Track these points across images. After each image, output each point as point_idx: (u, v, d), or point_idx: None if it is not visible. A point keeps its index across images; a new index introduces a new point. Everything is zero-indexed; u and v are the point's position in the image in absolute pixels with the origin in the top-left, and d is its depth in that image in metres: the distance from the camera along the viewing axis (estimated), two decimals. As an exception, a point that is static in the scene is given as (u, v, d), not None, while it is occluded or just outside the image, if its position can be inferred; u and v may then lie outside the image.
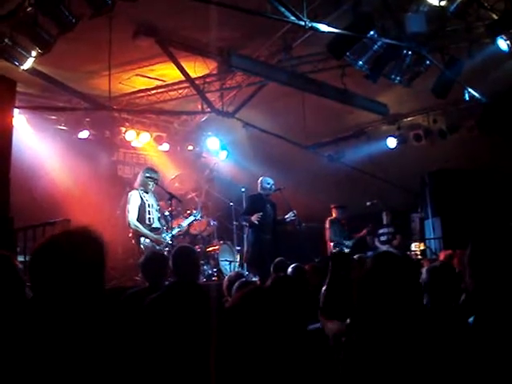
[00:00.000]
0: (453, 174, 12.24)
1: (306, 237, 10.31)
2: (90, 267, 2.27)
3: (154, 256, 6.03)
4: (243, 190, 10.77)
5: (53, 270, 2.20)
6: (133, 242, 9.15)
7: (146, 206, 9.18)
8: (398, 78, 8.37)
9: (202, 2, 7.10)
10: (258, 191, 9.91)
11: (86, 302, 2.25)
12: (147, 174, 9.33)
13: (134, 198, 9.14)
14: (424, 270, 3.94)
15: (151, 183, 9.33)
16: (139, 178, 9.39)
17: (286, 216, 9.70)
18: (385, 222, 11.86)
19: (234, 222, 11.31)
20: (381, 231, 11.80)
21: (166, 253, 8.26)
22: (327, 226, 11.44)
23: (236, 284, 5.28)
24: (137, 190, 9.26)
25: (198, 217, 10.08)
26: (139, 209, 9.09)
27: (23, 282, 3.18)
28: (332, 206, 11.76)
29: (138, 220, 9.00)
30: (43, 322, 2.25)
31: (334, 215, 11.66)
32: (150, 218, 9.18)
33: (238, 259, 11.01)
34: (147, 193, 9.30)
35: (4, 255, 3.23)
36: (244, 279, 5.70)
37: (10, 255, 3.30)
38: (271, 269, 7.10)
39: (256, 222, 9.30)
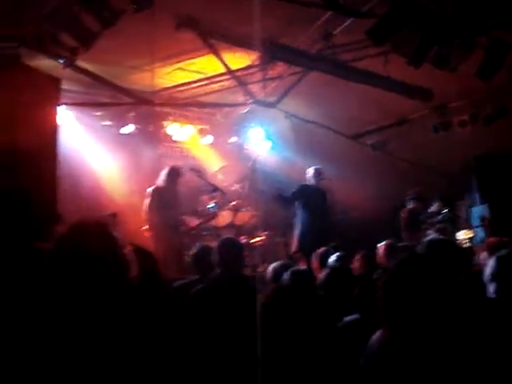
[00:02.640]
0: (500, 159, 11.99)
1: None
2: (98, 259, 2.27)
3: (205, 248, 6.06)
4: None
5: (68, 259, 2.24)
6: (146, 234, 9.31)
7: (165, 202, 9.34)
8: (443, 63, 8.20)
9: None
10: (307, 182, 9.91)
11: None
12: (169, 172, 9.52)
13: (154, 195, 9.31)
14: (491, 259, 3.79)
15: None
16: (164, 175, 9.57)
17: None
18: (434, 210, 11.65)
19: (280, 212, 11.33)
20: (429, 219, 11.59)
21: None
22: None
23: (288, 272, 5.26)
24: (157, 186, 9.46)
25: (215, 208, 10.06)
26: (158, 205, 9.25)
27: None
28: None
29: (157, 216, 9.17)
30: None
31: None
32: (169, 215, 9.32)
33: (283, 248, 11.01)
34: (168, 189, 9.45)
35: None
36: (295, 268, 5.68)
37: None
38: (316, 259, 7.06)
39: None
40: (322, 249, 7.15)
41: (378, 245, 6.82)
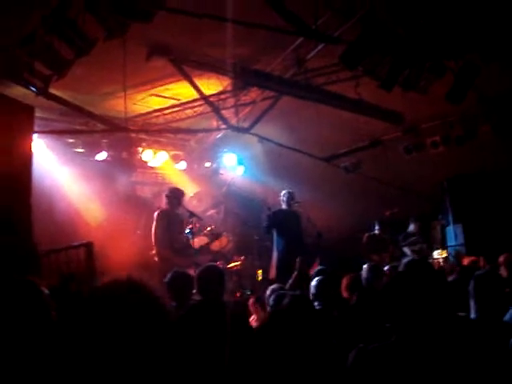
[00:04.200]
0: (471, 179, 12.17)
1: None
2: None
3: (179, 275, 6.03)
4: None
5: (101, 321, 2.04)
6: (155, 259, 9.23)
7: (172, 225, 9.28)
8: (413, 86, 8.33)
9: (214, 20, 7.16)
10: (280, 205, 9.96)
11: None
12: (172, 194, 9.49)
13: (161, 218, 9.26)
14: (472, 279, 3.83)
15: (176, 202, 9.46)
16: (165, 198, 9.53)
17: None
18: (412, 230, 11.81)
19: (256, 237, 11.34)
20: (407, 240, 11.73)
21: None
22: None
23: (273, 296, 5.31)
24: (164, 210, 9.42)
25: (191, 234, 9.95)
26: (166, 228, 9.19)
27: (49, 307, 3.18)
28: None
29: (164, 240, 9.11)
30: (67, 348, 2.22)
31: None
32: (176, 238, 9.27)
33: (260, 274, 11.01)
34: (173, 212, 9.41)
35: (30, 281, 3.24)
36: (283, 292, 5.73)
37: (37, 281, 3.30)
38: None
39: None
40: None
41: (364, 266, 6.88)
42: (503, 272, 6.02)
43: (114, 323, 1.86)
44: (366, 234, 11.60)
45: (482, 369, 2.74)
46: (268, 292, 6.17)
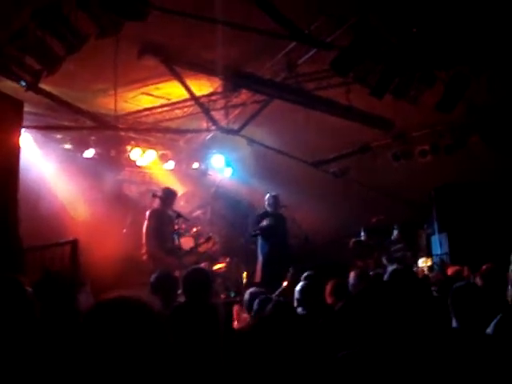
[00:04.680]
0: (459, 189, 12.24)
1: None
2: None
3: (164, 275, 6.02)
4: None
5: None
6: (144, 258, 9.22)
7: (164, 225, 9.28)
8: (404, 94, 8.38)
9: (207, 22, 7.16)
10: (265, 208, 9.95)
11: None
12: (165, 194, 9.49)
13: (153, 218, 9.26)
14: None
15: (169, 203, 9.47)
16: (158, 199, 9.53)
17: None
18: (395, 238, 11.85)
19: (241, 239, 11.34)
20: (391, 247, 11.77)
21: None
22: None
23: (257, 300, 5.31)
24: (156, 209, 9.42)
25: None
26: (157, 228, 9.19)
27: (32, 304, 3.17)
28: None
29: (156, 240, 9.11)
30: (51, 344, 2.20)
31: None
32: (167, 239, 9.26)
33: (245, 277, 11.00)
34: (165, 213, 9.40)
35: (13, 278, 3.22)
36: (264, 296, 5.73)
37: (20, 278, 3.29)
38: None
39: (269, 224, 9.36)
40: None
41: (351, 272, 6.89)
42: (478, 281, 6.07)
43: (114, 338, 1.85)
44: (353, 240, 11.61)
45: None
46: (246, 296, 6.17)
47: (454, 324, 3.62)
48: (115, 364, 1.80)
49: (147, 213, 9.53)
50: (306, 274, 6.92)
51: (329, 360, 2.53)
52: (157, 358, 1.91)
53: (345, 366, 2.58)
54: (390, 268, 4.97)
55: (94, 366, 1.81)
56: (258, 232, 9.75)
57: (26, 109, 8.24)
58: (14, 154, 6.88)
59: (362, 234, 11.98)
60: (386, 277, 4.08)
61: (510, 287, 4.50)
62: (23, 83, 7.10)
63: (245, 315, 6.24)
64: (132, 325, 1.87)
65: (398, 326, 2.81)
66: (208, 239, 10.32)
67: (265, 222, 9.66)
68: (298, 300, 5.74)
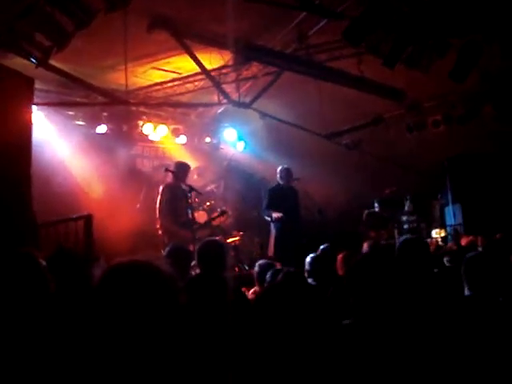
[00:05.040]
0: (472, 159, 12.16)
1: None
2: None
3: (178, 248, 6.05)
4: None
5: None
6: (159, 232, 9.28)
7: (178, 199, 9.32)
8: (416, 64, 8.28)
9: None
10: (277, 182, 9.93)
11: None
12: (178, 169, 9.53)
13: (166, 192, 9.30)
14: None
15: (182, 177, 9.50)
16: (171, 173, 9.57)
17: None
18: (407, 210, 11.79)
19: (255, 213, 11.36)
20: (403, 218, 11.74)
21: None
22: None
23: (269, 272, 5.34)
24: (169, 184, 9.46)
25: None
26: (171, 202, 9.24)
27: (47, 279, 3.20)
28: None
29: (170, 214, 9.16)
30: (65, 317, 2.23)
31: None
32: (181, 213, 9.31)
33: (259, 250, 11.05)
34: (179, 187, 9.44)
35: (28, 253, 3.25)
36: (277, 268, 5.77)
37: (34, 253, 3.32)
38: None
39: (278, 219, 9.36)
40: None
41: (365, 243, 6.90)
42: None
43: (129, 303, 1.86)
44: (366, 211, 11.59)
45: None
46: (256, 268, 6.21)
47: (467, 292, 3.62)
48: (128, 328, 1.82)
49: (160, 187, 9.57)
50: (321, 247, 6.92)
51: (336, 329, 2.55)
52: (168, 320, 1.93)
53: (349, 334, 2.61)
54: (401, 238, 4.97)
55: (107, 330, 1.83)
56: (270, 218, 9.75)
57: (37, 86, 8.25)
58: (25, 130, 6.90)
59: (376, 205, 11.95)
60: (396, 247, 4.07)
61: None
62: (33, 60, 7.10)
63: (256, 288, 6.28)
64: (144, 287, 1.88)
65: (405, 295, 2.83)
66: (222, 213, 10.35)
67: (275, 215, 9.59)
68: (307, 271, 5.75)
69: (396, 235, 11.02)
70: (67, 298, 3.39)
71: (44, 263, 3.27)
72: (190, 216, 9.35)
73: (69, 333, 2.36)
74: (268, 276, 5.40)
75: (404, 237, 5.26)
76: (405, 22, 7.85)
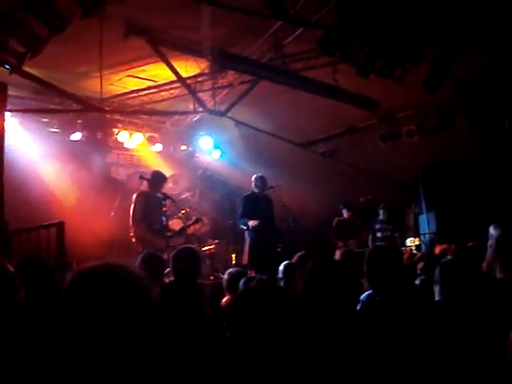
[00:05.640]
0: (446, 169, 12.31)
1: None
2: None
3: (151, 256, 6.03)
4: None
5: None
6: (133, 240, 9.23)
7: (152, 207, 9.29)
8: (390, 74, 8.36)
9: (192, 1, 7.11)
10: (252, 190, 9.94)
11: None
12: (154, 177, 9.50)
13: (140, 200, 9.26)
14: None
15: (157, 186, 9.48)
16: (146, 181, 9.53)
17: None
18: (381, 218, 11.83)
19: (230, 221, 11.34)
20: (377, 227, 11.78)
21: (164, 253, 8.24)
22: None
23: (242, 280, 5.34)
24: (143, 191, 9.43)
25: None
26: (145, 210, 9.20)
27: (15, 285, 3.16)
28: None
29: (143, 222, 9.11)
30: (33, 325, 2.21)
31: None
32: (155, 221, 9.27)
33: (234, 258, 11.04)
34: (153, 195, 9.41)
35: None
36: (249, 275, 5.77)
37: (1, 259, 3.28)
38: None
39: (254, 228, 9.35)
40: None
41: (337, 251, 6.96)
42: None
43: (100, 306, 1.83)
44: (336, 219, 11.59)
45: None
46: (226, 276, 6.20)
47: (437, 297, 3.66)
48: (98, 332, 1.80)
49: (134, 195, 9.52)
50: (301, 254, 6.97)
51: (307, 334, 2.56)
52: (141, 323, 1.90)
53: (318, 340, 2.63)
54: (372, 246, 5.02)
55: (75, 334, 1.80)
56: (246, 227, 9.74)
57: (11, 92, 8.20)
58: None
59: (344, 210, 11.75)
60: (366, 255, 4.09)
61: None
62: (7, 66, 7.04)
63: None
64: (113, 289, 1.85)
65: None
66: (197, 220, 10.31)
67: (251, 223, 9.59)
68: (280, 279, 5.79)
69: (370, 243, 11.06)
70: (36, 305, 3.35)
71: (12, 270, 3.23)
72: (165, 224, 9.33)
73: (37, 339, 2.33)
74: (241, 284, 5.40)
75: (374, 244, 5.31)
76: (379, 32, 7.93)
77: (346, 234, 11.13)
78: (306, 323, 2.64)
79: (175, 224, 10.31)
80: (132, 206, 9.38)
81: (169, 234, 9.36)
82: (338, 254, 6.79)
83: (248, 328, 2.03)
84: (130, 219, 9.32)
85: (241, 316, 2.07)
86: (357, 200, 12.07)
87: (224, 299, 6.31)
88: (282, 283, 5.74)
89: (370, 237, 11.64)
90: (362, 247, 9.87)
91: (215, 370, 2.23)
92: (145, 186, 9.74)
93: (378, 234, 11.70)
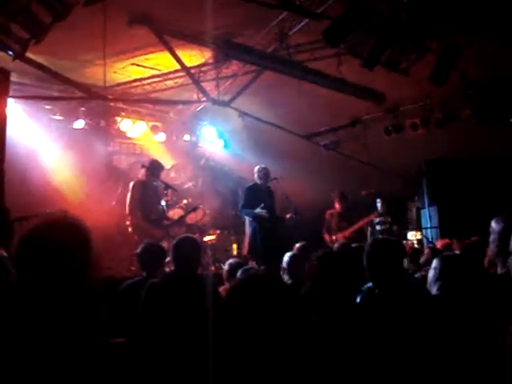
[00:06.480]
0: (449, 163, 12.25)
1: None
2: (72, 257, 2.14)
3: (151, 246, 6.03)
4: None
5: (36, 261, 2.10)
6: (129, 230, 9.21)
7: (148, 196, 9.26)
8: (395, 66, 8.31)
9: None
10: (255, 181, 9.91)
11: (69, 291, 2.16)
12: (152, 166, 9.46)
13: (136, 189, 9.22)
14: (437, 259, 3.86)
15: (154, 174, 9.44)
16: (144, 169, 9.49)
17: (287, 216, 9.70)
18: (380, 211, 11.72)
19: (232, 211, 11.31)
20: (376, 220, 11.70)
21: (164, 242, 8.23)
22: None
23: (240, 270, 5.34)
24: (140, 180, 9.39)
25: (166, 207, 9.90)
26: (141, 199, 9.17)
27: (8, 270, 3.14)
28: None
29: (139, 211, 9.09)
30: (26, 310, 2.20)
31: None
32: (152, 210, 9.25)
33: (235, 249, 11.02)
34: (150, 183, 9.38)
35: None
36: (248, 266, 5.78)
37: None
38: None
39: (264, 215, 9.30)
40: None
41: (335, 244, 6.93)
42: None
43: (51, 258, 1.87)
44: (328, 211, 11.23)
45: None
46: (226, 267, 6.23)
47: (435, 292, 3.63)
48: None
49: (131, 184, 9.50)
50: (303, 244, 6.98)
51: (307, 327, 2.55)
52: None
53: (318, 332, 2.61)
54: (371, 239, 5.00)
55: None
56: (251, 216, 9.68)
57: (14, 79, 8.16)
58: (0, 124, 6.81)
59: (336, 204, 11.41)
60: (366, 248, 4.06)
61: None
62: (10, 52, 6.99)
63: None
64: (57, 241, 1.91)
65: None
66: (195, 209, 10.28)
67: (259, 211, 9.52)
68: (284, 269, 5.77)
69: (369, 236, 10.97)
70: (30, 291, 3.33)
71: (5, 254, 3.21)
72: (164, 213, 9.31)
73: (31, 322, 2.31)
74: (239, 274, 5.40)
75: (374, 238, 5.29)
76: (384, 23, 7.88)
77: (334, 226, 10.94)
78: (304, 315, 2.63)
79: (176, 214, 10.30)
80: (129, 194, 9.36)
81: (166, 222, 9.35)
82: (335, 247, 6.76)
83: (246, 318, 2.01)
84: (127, 208, 9.30)
85: (238, 305, 2.05)
86: (359, 192, 11.99)
87: (222, 288, 6.32)
88: (285, 274, 5.72)
89: (369, 230, 11.53)
90: (361, 240, 9.72)
91: (217, 358, 2.21)
92: (142, 174, 9.70)
93: (377, 227, 11.63)
